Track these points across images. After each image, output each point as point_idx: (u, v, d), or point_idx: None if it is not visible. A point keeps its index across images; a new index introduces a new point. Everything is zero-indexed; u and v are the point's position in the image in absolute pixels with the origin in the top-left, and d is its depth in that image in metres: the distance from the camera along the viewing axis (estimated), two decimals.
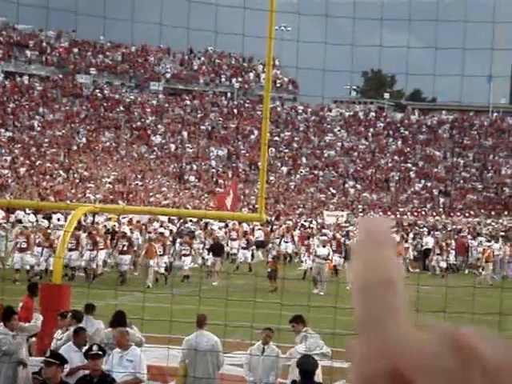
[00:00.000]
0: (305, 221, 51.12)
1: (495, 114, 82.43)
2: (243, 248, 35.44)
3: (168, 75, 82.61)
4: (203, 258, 32.97)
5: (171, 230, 36.89)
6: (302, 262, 35.57)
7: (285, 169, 73.54)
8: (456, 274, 37.15)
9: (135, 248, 31.96)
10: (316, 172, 74.34)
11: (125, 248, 29.81)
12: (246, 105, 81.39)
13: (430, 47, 10.52)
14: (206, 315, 12.07)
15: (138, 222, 39.02)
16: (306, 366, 10.00)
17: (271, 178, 69.25)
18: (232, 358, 14.70)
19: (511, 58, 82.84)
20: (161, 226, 36.94)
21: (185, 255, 31.21)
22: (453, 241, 40.63)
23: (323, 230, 41.27)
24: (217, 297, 13.79)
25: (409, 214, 65.58)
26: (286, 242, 39.58)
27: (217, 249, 31.08)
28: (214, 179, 69.38)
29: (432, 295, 17.35)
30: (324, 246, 30.33)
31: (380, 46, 10.70)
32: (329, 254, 30.05)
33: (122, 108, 76.55)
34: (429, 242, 39.72)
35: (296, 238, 40.66)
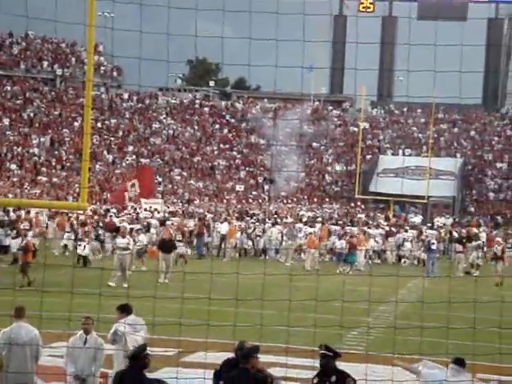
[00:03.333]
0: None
1: (316, 103, 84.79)
2: (13, 238, 32.76)
3: None
4: None
5: None
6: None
7: (110, 156, 72.65)
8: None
9: None
10: (142, 160, 73.88)
11: None
12: (70, 91, 79.68)
13: (244, 38, 10.69)
14: (23, 306, 11.77)
15: None
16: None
17: (96, 166, 68.28)
18: (52, 349, 14.42)
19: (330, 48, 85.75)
20: None
21: None
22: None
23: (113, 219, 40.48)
24: (36, 289, 13.47)
25: (234, 201, 66.48)
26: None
27: None
28: (37, 167, 67.66)
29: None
30: (124, 237, 28.67)
31: (196, 36, 10.77)
32: (128, 244, 28.18)
33: None
34: (224, 228, 40.33)
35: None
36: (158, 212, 47.99)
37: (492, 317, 16.39)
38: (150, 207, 49.89)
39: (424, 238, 39.23)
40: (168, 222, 38.45)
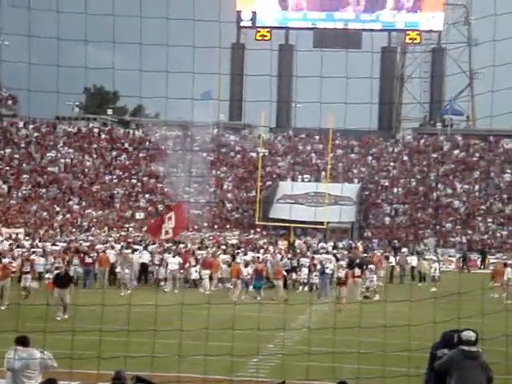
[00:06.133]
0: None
1: (215, 130, 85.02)
2: None
3: None
4: None
5: None
6: None
7: (6, 186, 71.08)
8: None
9: None
10: (39, 189, 72.56)
11: None
12: None
13: (135, 70, 10.66)
14: None
15: None
16: None
17: None
18: None
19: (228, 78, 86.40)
20: None
21: None
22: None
23: None
24: None
25: (133, 230, 65.70)
26: None
27: None
28: None
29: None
30: None
31: (86, 68, 10.68)
32: None
33: None
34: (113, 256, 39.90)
35: None
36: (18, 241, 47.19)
37: (388, 340, 16.65)
38: (11, 236, 49.30)
39: (316, 263, 39.16)
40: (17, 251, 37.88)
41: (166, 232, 25.97)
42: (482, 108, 78.79)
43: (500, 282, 38.35)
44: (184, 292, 34.72)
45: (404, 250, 52.48)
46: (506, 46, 13.39)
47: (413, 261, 46.43)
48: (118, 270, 37.90)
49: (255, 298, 33.42)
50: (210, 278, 38.03)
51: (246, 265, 36.51)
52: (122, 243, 45.74)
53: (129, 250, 40.93)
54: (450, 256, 61.38)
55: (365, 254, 45.88)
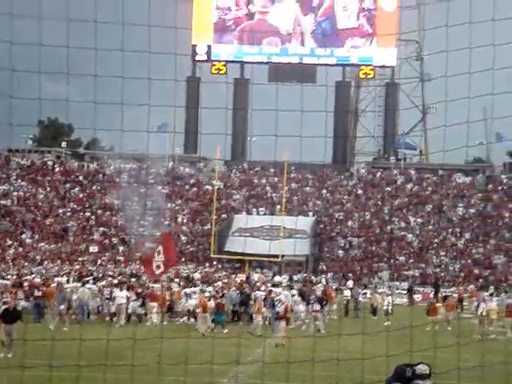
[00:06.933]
0: None
1: (171, 163, 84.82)
2: None
3: None
4: None
5: None
6: None
7: None
8: None
9: None
10: None
11: None
12: None
13: (89, 102, 10.63)
14: None
15: None
16: None
17: None
18: None
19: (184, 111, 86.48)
20: None
21: None
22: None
23: None
24: None
25: (87, 263, 65.06)
26: None
27: None
28: None
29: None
30: None
31: (40, 100, 10.63)
32: None
33: None
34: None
35: None
36: None
37: (341, 374, 16.65)
38: None
39: (273, 297, 38.92)
40: None
41: (158, 267, 25.50)
42: (435, 142, 79.87)
43: (452, 315, 38.71)
44: (136, 326, 34.39)
45: (349, 282, 52.82)
46: (457, 81, 13.60)
47: (360, 295, 46.85)
48: (52, 301, 37.24)
49: (222, 332, 33.23)
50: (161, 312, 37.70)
51: (209, 298, 36.36)
52: (63, 277, 45.33)
53: (78, 284, 40.59)
54: (403, 289, 61.65)
55: (313, 288, 45.85)
